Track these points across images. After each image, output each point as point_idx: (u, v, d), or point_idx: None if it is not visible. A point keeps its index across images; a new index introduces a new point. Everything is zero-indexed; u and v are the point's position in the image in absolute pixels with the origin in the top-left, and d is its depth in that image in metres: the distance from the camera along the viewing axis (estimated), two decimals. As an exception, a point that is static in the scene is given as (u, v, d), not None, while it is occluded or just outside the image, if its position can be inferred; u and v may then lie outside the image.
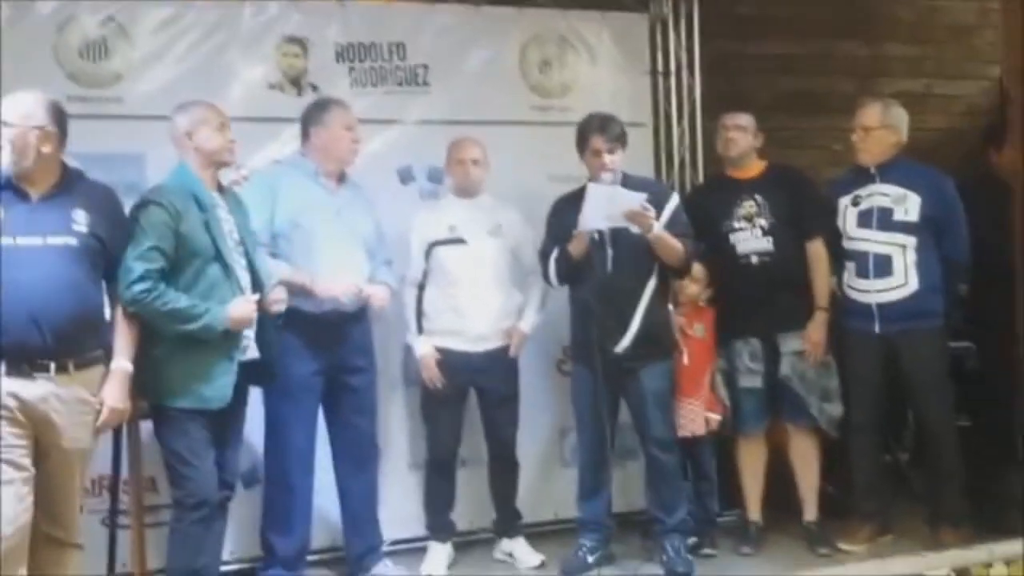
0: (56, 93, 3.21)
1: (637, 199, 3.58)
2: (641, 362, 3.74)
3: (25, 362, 2.81)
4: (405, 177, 4.23)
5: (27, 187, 2.90)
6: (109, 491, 3.56)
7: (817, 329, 3.94)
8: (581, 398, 3.84)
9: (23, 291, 2.79)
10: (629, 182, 3.78)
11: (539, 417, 4.25)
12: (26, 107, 2.93)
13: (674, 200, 3.83)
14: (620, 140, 3.76)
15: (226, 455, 3.28)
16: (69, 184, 2.97)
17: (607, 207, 3.58)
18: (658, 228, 3.64)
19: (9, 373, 2.79)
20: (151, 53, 3.88)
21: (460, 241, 3.88)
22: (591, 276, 3.69)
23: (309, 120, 3.73)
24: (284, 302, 3.33)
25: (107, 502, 3.57)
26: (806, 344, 3.93)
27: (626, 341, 3.70)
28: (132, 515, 3.41)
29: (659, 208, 3.72)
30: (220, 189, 3.34)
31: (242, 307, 3.14)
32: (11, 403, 2.79)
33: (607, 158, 3.70)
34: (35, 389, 2.83)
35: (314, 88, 4.07)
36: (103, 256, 2.99)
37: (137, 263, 3.05)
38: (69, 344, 2.88)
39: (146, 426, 3.35)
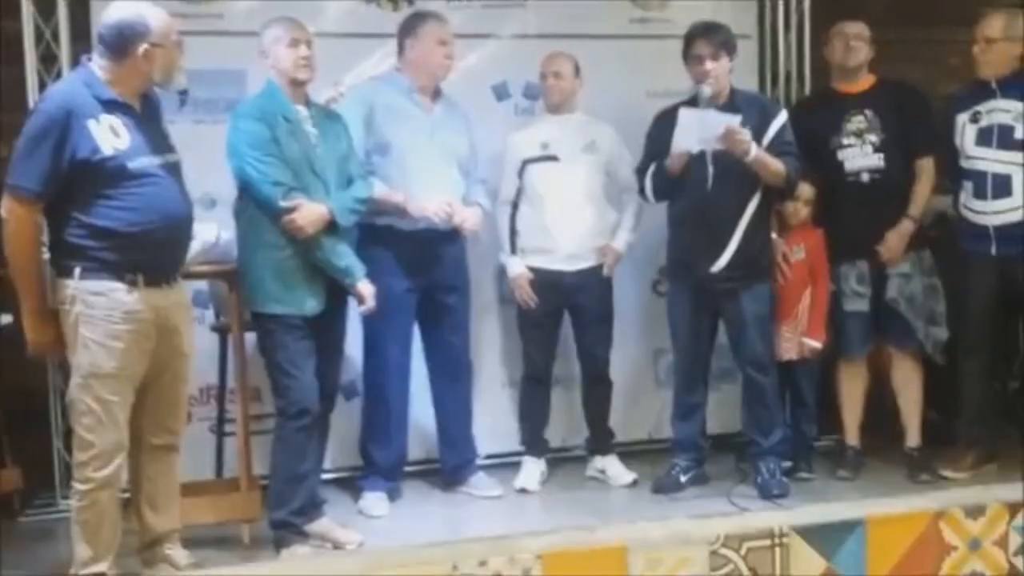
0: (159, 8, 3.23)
1: (728, 121, 3.49)
2: (739, 283, 3.68)
3: (160, 274, 2.88)
4: (501, 94, 4.18)
5: (132, 102, 2.88)
6: (216, 400, 3.70)
7: (897, 236, 3.79)
8: (677, 318, 3.82)
9: (164, 208, 2.84)
10: (737, 97, 3.69)
11: (634, 338, 4.24)
12: (165, 22, 2.88)
13: (781, 118, 3.70)
14: (725, 47, 3.65)
15: (326, 367, 3.37)
16: (149, 99, 2.96)
17: (699, 130, 3.52)
18: (755, 151, 3.53)
19: (148, 285, 2.84)
20: (250, -31, 3.89)
21: (553, 158, 3.84)
22: (690, 193, 3.64)
23: (404, 33, 3.71)
24: (369, 307, 3.37)
25: (215, 411, 3.71)
26: (881, 248, 3.79)
27: (723, 261, 3.64)
28: (238, 423, 3.54)
29: (764, 126, 3.62)
30: (307, 104, 3.36)
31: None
32: (149, 316, 2.85)
33: (708, 65, 3.60)
34: (165, 299, 2.90)
35: (410, 2, 4.02)
36: None
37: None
38: (184, 256, 3.01)
39: (250, 338, 3.46)
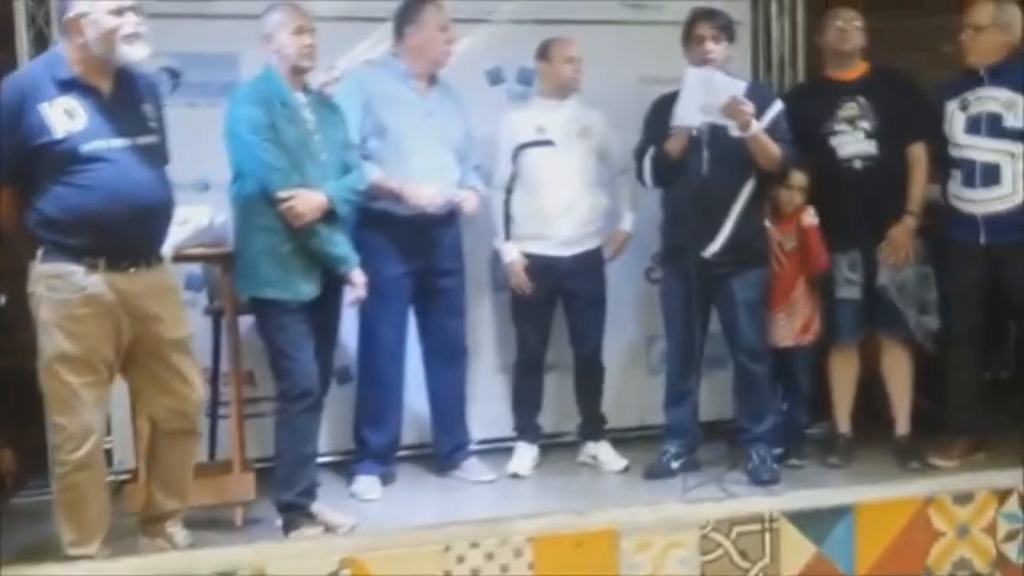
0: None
1: (736, 87, 3.50)
2: (732, 268, 3.69)
3: (125, 258, 2.81)
4: (495, 79, 4.18)
5: (96, 82, 2.79)
6: (210, 383, 3.69)
7: (902, 232, 3.80)
8: (671, 304, 3.83)
9: (124, 192, 2.76)
10: None
11: (626, 325, 4.25)
12: None
13: (777, 106, 3.73)
14: (725, 31, 3.68)
15: (321, 351, 3.36)
16: (125, 76, 2.85)
17: (704, 96, 3.50)
18: (756, 126, 3.54)
19: (109, 269, 2.78)
20: (244, -49, 3.87)
21: (548, 143, 3.84)
22: (686, 177, 3.64)
23: (403, 19, 3.69)
24: (359, 296, 3.39)
25: (208, 394, 3.71)
26: (885, 246, 3.80)
27: (716, 246, 3.66)
28: (232, 406, 3.54)
29: (760, 111, 3.62)
30: (305, 91, 3.35)
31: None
32: (113, 299, 2.78)
33: (709, 46, 3.62)
34: (134, 283, 2.83)
35: (407, -13, 4.01)
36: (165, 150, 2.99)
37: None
38: (159, 240, 2.93)
39: (244, 322, 3.46)
